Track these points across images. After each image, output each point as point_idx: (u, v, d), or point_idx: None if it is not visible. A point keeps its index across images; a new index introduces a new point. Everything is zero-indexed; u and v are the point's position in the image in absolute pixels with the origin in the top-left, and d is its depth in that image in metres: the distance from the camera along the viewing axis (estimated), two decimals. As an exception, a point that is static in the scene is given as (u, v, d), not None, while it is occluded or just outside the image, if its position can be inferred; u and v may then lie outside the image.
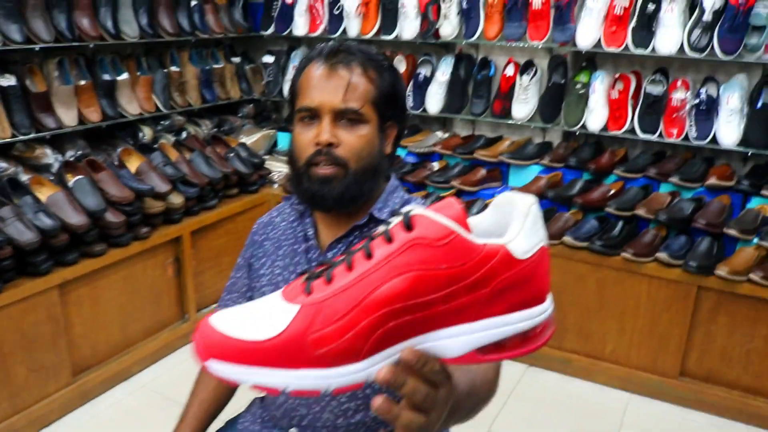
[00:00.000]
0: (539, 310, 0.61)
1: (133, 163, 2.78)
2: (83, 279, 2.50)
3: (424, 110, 3.17)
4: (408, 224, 0.59)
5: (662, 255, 2.50)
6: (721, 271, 2.37)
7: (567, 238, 2.65)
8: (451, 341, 0.59)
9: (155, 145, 2.99)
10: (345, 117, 1.13)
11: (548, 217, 2.78)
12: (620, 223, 2.67)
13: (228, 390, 1.43)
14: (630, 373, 2.68)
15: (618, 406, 2.62)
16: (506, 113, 2.99)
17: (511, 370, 2.80)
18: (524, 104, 2.93)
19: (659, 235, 2.62)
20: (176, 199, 2.81)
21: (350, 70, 1.13)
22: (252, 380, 0.58)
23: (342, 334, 0.57)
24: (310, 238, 1.25)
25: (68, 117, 2.64)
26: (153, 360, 2.86)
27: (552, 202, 2.84)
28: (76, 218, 2.36)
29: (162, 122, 3.17)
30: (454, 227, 0.58)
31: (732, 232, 2.44)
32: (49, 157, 2.64)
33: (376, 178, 1.19)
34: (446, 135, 3.25)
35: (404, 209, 0.62)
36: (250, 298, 1.37)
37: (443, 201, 0.61)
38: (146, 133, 3.05)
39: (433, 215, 0.58)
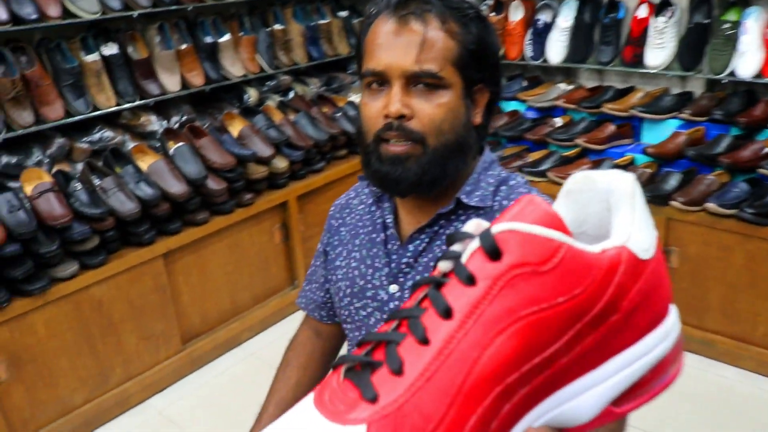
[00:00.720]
0: (671, 324, 0.43)
1: (236, 127, 2.71)
2: (188, 248, 2.47)
3: (545, 60, 2.87)
4: (493, 250, 0.38)
5: (830, 226, 2.11)
6: None
7: (710, 205, 2.30)
8: (581, 400, 0.40)
9: (260, 108, 2.90)
10: (420, 82, 0.91)
11: (688, 179, 2.43)
12: (776, 187, 2.29)
13: (310, 388, 1.28)
14: (785, 360, 2.33)
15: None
16: (638, 61, 2.62)
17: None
18: (660, 50, 2.55)
19: (826, 201, 2.22)
20: (281, 164, 2.71)
21: (425, 23, 0.90)
22: None
23: None
24: (389, 226, 1.06)
25: (171, 82, 2.59)
26: (262, 327, 2.83)
27: (692, 162, 2.49)
28: (176, 187, 2.32)
29: (268, 83, 3.07)
30: (560, 237, 0.38)
31: None
32: (154, 123, 2.61)
33: (463, 155, 0.97)
34: (570, 87, 2.93)
35: (470, 227, 0.41)
36: (327, 291, 1.22)
37: (520, 201, 0.40)
38: (251, 94, 2.96)
39: (527, 227, 0.38)
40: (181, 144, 2.43)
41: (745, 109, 2.50)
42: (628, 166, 2.57)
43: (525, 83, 3.08)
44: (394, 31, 0.92)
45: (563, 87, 2.94)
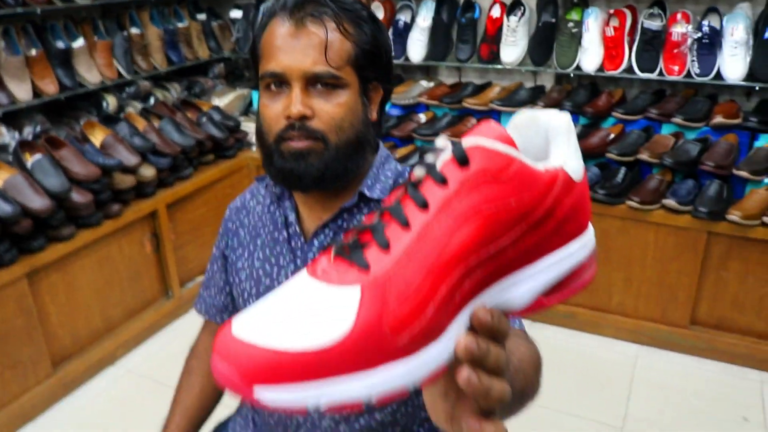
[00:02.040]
0: (590, 235, 0.54)
1: (98, 137, 2.58)
2: (54, 265, 2.33)
3: (407, 59, 2.96)
4: (462, 159, 0.48)
5: (669, 201, 2.35)
6: (733, 215, 2.23)
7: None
8: (517, 289, 0.50)
9: (121, 115, 2.78)
10: (319, 82, 0.94)
11: (545, 166, 2.62)
12: (623, 170, 2.52)
13: (214, 394, 1.28)
14: (638, 324, 2.57)
15: (628, 359, 2.52)
16: (494, 57, 2.79)
17: (513, 329, 2.68)
18: (513, 47, 2.73)
19: (664, 180, 2.47)
20: (147, 172, 2.62)
21: (322, 24, 0.93)
22: (325, 400, 0.44)
23: (423, 310, 0.45)
24: (291, 223, 1.08)
25: (21, 91, 2.43)
26: (137, 342, 2.72)
27: (548, 151, 2.67)
28: (38, 202, 2.18)
29: (127, 89, 2.95)
30: (514, 153, 0.48)
31: (742, 173, 2.30)
32: (5, 136, 2.44)
33: (362, 150, 1.00)
34: (431, 84, 3.05)
35: (439, 142, 0.51)
36: (230, 295, 1.21)
37: (481, 125, 0.50)
38: (110, 102, 2.84)
39: (491, 143, 0.48)
40: (39, 156, 2.29)
41: (590, 100, 2.73)
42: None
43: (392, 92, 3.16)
44: (292, 34, 0.93)
45: (425, 84, 3.05)
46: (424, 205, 0.48)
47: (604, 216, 2.48)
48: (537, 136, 0.53)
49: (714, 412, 2.23)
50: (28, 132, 2.51)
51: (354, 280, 0.46)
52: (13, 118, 2.52)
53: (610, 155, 2.51)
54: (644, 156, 2.45)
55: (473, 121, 2.80)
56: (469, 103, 2.81)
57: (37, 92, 2.49)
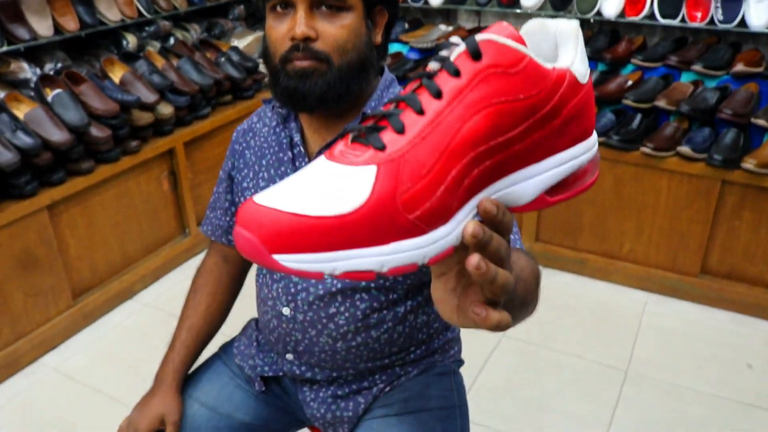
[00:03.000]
0: (593, 141, 0.56)
1: (117, 74, 2.61)
2: (73, 198, 2.39)
3: (426, 2, 2.94)
4: (475, 52, 0.49)
5: (684, 148, 2.34)
6: (748, 164, 2.22)
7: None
8: (524, 185, 0.53)
9: (140, 54, 2.80)
10: (324, 4, 0.95)
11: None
12: (639, 116, 2.50)
13: (219, 313, 1.32)
14: (648, 272, 2.58)
15: (636, 306, 2.54)
16: (514, 2, 2.75)
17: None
18: (534, -10, 2.69)
19: (681, 127, 2.45)
20: (165, 110, 2.65)
21: None
22: (341, 267, 0.46)
23: (434, 190, 0.48)
24: (296, 144, 1.10)
25: (42, 27, 2.45)
26: (155, 278, 2.79)
27: (565, 97, 2.65)
28: (58, 135, 2.22)
29: (147, 28, 2.96)
30: (524, 50, 0.50)
31: (760, 122, 2.27)
32: (26, 71, 2.47)
33: (366, 73, 1.02)
34: (450, 28, 3.02)
35: (455, 39, 0.53)
36: (234, 216, 1.25)
37: (494, 25, 0.52)
38: (130, 40, 2.85)
39: (503, 39, 0.50)
40: (59, 91, 2.32)
41: (610, 46, 2.69)
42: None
43: (406, 25, 3.14)
44: None
45: (443, 28, 3.03)
46: (438, 94, 0.50)
47: (617, 162, 2.48)
48: (545, 42, 0.55)
49: (718, 358, 2.25)
50: (49, 68, 2.54)
51: (370, 160, 0.48)
52: (35, 54, 2.55)
53: (626, 101, 2.49)
54: (661, 103, 2.43)
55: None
56: (487, 47, 2.78)
57: (58, 29, 2.51)
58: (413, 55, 3.05)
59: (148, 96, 2.55)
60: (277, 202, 0.46)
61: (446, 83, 0.50)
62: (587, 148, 0.55)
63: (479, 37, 0.50)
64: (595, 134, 0.57)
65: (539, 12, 2.74)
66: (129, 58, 2.73)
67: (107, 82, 2.52)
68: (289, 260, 0.45)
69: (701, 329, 2.39)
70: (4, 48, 2.35)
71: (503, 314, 0.53)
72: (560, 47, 0.54)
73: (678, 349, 2.30)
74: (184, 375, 1.27)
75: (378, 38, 1.05)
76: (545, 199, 0.54)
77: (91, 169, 2.40)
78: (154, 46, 2.94)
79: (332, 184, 0.48)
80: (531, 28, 0.56)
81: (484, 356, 2.27)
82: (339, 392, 1.17)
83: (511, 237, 0.96)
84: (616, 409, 2.05)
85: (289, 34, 0.96)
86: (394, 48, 3.09)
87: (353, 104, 1.05)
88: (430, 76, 0.51)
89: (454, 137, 0.49)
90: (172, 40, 3.06)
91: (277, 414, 1.26)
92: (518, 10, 2.77)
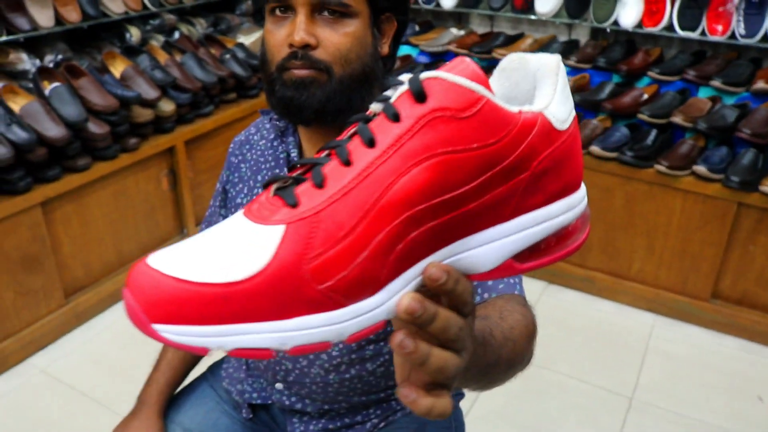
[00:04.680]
0: (579, 197, 0.47)
1: (118, 68, 2.54)
2: (68, 196, 2.32)
3: (438, 5, 2.86)
4: (419, 93, 0.42)
5: (700, 168, 2.26)
6: (767, 187, 2.13)
7: (594, 148, 2.41)
8: (485, 249, 0.44)
9: (143, 48, 2.73)
10: (326, 9, 0.88)
11: (573, 125, 2.52)
12: (654, 132, 2.41)
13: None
14: (657, 293, 2.50)
15: (643, 329, 2.46)
16: (528, 8, 2.67)
17: (528, 288, 2.61)
18: (550, -3, 2.61)
19: (697, 145, 2.37)
20: (167, 106, 2.58)
21: None
22: (230, 343, 0.40)
23: (354, 256, 0.41)
24: (293, 160, 1.03)
25: (43, 17, 2.38)
26: (151, 278, 2.72)
27: (578, 108, 2.57)
28: (54, 130, 2.15)
29: (151, 22, 2.90)
30: (482, 90, 0.42)
31: (781, 142, 2.19)
32: (26, 62, 2.41)
33: (369, 85, 0.94)
34: (462, 32, 2.95)
35: (403, 77, 0.45)
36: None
37: (453, 60, 0.44)
38: (134, 34, 2.79)
39: (452, 77, 0.42)
40: (57, 84, 2.25)
41: (626, 58, 2.61)
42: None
43: (417, 28, 3.07)
44: None
45: (455, 32, 2.95)
46: (371, 143, 0.42)
47: (630, 179, 2.40)
48: (525, 81, 0.48)
49: (728, 388, 2.17)
50: (49, 59, 2.47)
51: (281, 219, 0.42)
52: (35, 45, 2.49)
53: (641, 116, 2.41)
54: (677, 119, 2.34)
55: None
56: (499, 53, 2.71)
57: (59, 20, 2.45)
58: (423, 59, 2.97)
59: (149, 92, 2.48)
60: (166, 264, 0.40)
61: (382, 129, 0.43)
62: (570, 206, 0.47)
63: (425, 74, 0.43)
64: (583, 189, 0.48)
65: (554, 19, 2.66)
66: (131, 52, 2.67)
67: (107, 77, 2.45)
68: (168, 332, 0.39)
69: (710, 356, 2.32)
70: (3, 38, 2.29)
71: (440, 401, 0.45)
72: (537, 86, 0.47)
73: (685, 377, 2.22)
74: (168, 397, 1.20)
75: (385, 48, 0.97)
76: (513, 266, 0.46)
77: (87, 166, 2.33)
78: (158, 40, 2.87)
79: (236, 245, 0.41)
80: (509, 64, 0.49)
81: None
82: (330, 426, 1.10)
83: (510, 281, 0.88)
84: (619, 437, 1.98)
85: (288, 40, 0.89)
86: (403, 50, 3.02)
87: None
88: (367, 120, 0.44)
89: (383, 194, 0.41)
90: (177, 35, 2.98)
91: (264, 444, 1.19)
92: (533, 17, 2.69)
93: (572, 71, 2.66)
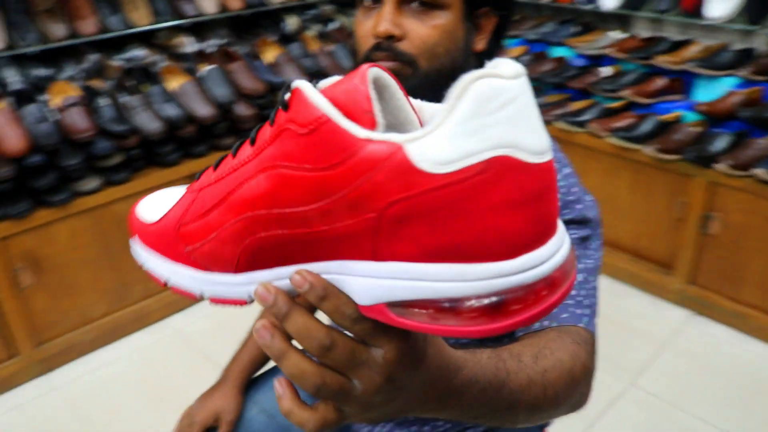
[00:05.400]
0: (477, 273, 0.37)
1: (270, 54, 2.65)
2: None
3: (597, 6, 2.70)
4: (283, 101, 0.41)
5: None
6: None
7: (759, 171, 2.15)
8: (358, 281, 0.41)
9: (298, 37, 2.83)
10: (416, 0, 0.84)
11: (738, 142, 2.28)
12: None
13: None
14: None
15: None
16: (699, 11, 2.44)
17: (669, 316, 2.42)
18: (724, 0, 2.37)
19: None
20: (313, 95, 2.65)
21: None
22: (146, 265, 0.51)
23: (206, 234, 0.46)
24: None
25: (208, 4, 2.53)
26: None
27: (746, 124, 2.32)
28: (203, 109, 2.29)
29: (309, 11, 2.99)
30: (324, 107, 0.38)
31: None
32: (190, 45, 2.58)
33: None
34: (623, 36, 2.76)
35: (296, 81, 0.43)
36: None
37: (360, 69, 0.41)
38: (292, 22, 2.89)
39: (306, 88, 0.40)
40: (211, 66, 2.39)
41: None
42: (674, 124, 2.42)
43: (575, 29, 2.92)
44: None
45: (615, 35, 2.77)
46: (252, 141, 0.44)
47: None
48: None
49: None
50: (211, 44, 2.63)
51: (189, 187, 0.50)
52: (200, 29, 2.65)
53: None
54: None
55: (661, 81, 2.50)
56: (661, 60, 2.50)
57: (223, 6, 2.59)
58: (579, 62, 2.82)
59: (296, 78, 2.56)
60: (144, 202, 0.54)
61: (263, 131, 0.44)
62: (457, 277, 0.38)
63: (294, 83, 0.41)
64: (522, 261, 0.37)
65: (728, 24, 2.41)
66: (287, 40, 2.77)
67: (258, 62, 2.56)
68: (132, 245, 0.53)
69: None
70: (172, 22, 2.46)
71: (317, 415, 0.45)
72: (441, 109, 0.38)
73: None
74: (249, 375, 1.23)
75: (480, 45, 0.92)
76: (385, 313, 0.40)
77: (231, 146, 2.45)
78: (314, 30, 2.96)
79: (171, 199, 0.51)
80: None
81: (603, 405, 2.05)
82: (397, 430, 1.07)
83: (576, 311, 0.79)
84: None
85: (373, 30, 0.86)
86: (558, 52, 2.88)
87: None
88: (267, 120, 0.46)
89: (234, 191, 0.44)
90: (334, 25, 3.06)
91: (333, 433, 1.18)
92: (703, 21, 2.45)
93: (744, 83, 2.40)
